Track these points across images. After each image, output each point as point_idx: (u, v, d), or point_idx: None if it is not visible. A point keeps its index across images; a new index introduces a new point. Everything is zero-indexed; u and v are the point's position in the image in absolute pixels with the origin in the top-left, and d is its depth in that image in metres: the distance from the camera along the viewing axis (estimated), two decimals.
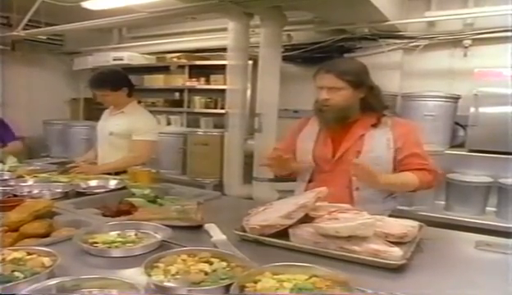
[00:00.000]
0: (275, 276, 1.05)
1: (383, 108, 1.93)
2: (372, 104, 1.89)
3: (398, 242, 1.37)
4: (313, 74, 1.89)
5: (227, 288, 1.01)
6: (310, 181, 2.00)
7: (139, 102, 5.23)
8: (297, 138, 2.07)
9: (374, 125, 1.89)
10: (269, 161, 1.87)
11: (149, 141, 2.83)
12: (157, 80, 5.66)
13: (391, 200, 1.94)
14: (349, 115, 1.89)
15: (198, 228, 1.57)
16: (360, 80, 1.83)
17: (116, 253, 1.30)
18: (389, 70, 4.15)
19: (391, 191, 1.92)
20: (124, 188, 2.20)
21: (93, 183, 2.30)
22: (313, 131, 2.01)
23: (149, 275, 1.07)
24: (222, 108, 4.67)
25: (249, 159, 4.02)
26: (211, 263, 1.15)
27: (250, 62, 4.31)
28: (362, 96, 1.86)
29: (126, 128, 2.79)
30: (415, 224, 1.51)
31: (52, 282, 1.01)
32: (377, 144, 1.86)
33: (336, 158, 1.91)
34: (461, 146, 3.65)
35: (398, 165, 1.88)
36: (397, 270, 1.23)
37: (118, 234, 1.43)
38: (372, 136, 1.88)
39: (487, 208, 3.31)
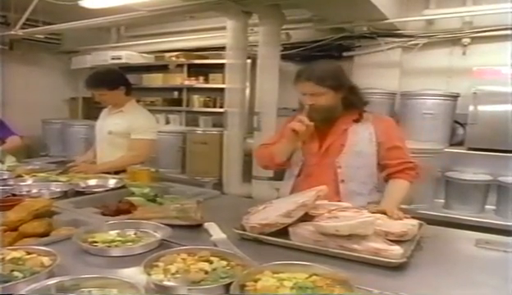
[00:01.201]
0: (275, 275, 1.05)
1: (364, 104, 2.01)
2: (354, 102, 1.97)
3: (398, 241, 1.37)
4: (294, 79, 1.94)
5: (227, 286, 1.01)
6: (299, 175, 2.04)
7: (138, 101, 5.24)
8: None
9: (356, 120, 1.97)
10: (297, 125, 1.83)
11: (148, 140, 2.82)
12: (156, 79, 5.66)
13: (376, 192, 1.98)
14: (334, 113, 1.96)
15: (197, 227, 1.57)
16: (339, 83, 1.90)
17: (115, 252, 1.29)
18: (388, 68, 4.16)
19: (375, 184, 1.98)
20: (123, 187, 2.20)
21: (92, 182, 2.30)
22: None
23: (149, 274, 1.07)
24: (221, 107, 4.67)
25: (248, 158, 4.02)
26: (211, 262, 1.15)
27: (249, 61, 4.32)
28: (343, 96, 1.93)
29: (125, 127, 2.78)
30: (415, 222, 1.52)
31: (52, 281, 1.00)
32: (360, 138, 1.94)
33: (322, 152, 1.97)
34: (460, 144, 3.66)
35: (381, 160, 1.95)
36: (397, 268, 1.23)
37: (118, 233, 1.43)
38: (355, 131, 1.95)
39: (487, 206, 3.31)
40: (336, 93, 1.89)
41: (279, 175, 2.29)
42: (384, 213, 1.57)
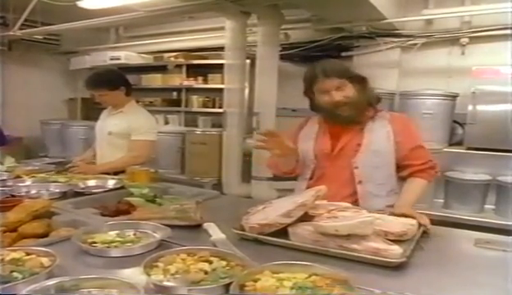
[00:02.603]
0: (274, 275, 1.05)
1: (378, 101, 1.96)
2: (369, 97, 1.91)
3: (397, 241, 1.37)
4: (308, 80, 1.91)
5: (227, 287, 1.01)
6: (311, 178, 1.99)
7: (137, 102, 5.23)
8: (298, 138, 2.08)
9: (372, 119, 1.92)
10: (264, 141, 1.82)
11: (148, 141, 2.82)
12: (155, 80, 5.66)
13: (394, 194, 1.93)
14: (359, 109, 1.88)
15: (197, 227, 1.56)
16: (354, 74, 1.87)
17: (115, 253, 1.29)
18: (387, 68, 4.16)
19: (393, 186, 1.93)
20: (122, 187, 2.19)
21: (91, 182, 2.30)
22: (312, 129, 2.03)
23: (149, 275, 1.07)
24: (220, 107, 4.68)
25: (247, 158, 4.02)
26: (210, 262, 1.15)
27: (248, 61, 4.32)
28: (359, 89, 1.87)
29: (125, 127, 2.78)
30: (414, 222, 1.51)
31: (51, 282, 1.00)
32: (376, 137, 1.88)
33: (336, 153, 1.91)
34: (459, 144, 3.66)
35: (402, 160, 1.89)
36: (397, 268, 1.23)
37: (117, 234, 1.43)
38: (371, 129, 1.90)
39: (486, 206, 3.32)
40: (354, 85, 1.85)
41: (279, 176, 2.29)
42: (413, 217, 1.55)
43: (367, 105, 1.91)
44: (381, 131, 1.89)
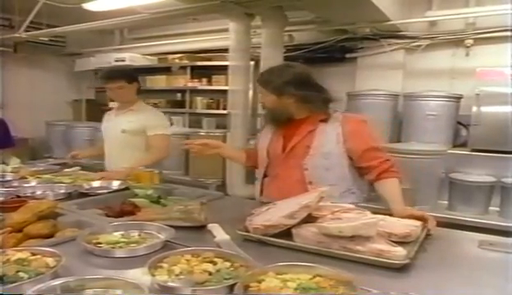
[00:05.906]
0: (278, 276, 1.06)
1: (325, 104, 1.96)
2: (311, 107, 1.95)
3: (401, 242, 1.37)
4: None
5: (231, 287, 1.01)
6: (265, 176, 2.08)
7: None
8: (259, 137, 2.19)
9: (324, 121, 1.94)
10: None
11: (166, 135, 2.87)
12: (159, 81, 5.68)
13: (350, 194, 1.94)
14: (286, 115, 1.96)
15: (201, 228, 1.57)
16: (282, 90, 1.91)
17: (119, 253, 1.30)
18: (391, 69, 4.15)
19: (349, 186, 1.95)
20: (127, 188, 2.21)
21: (96, 183, 2.32)
22: (270, 129, 2.10)
23: (153, 275, 1.08)
24: (224, 109, 4.69)
25: None
26: (214, 263, 1.16)
27: (252, 63, 4.32)
28: (291, 101, 1.92)
29: (139, 125, 2.79)
30: (418, 223, 1.52)
31: (57, 282, 1.01)
32: (327, 139, 1.91)
33: (286, 153, 1.97)
34: (464, 145, 3.65)
35: (358, 162, 1.91)
36: (400, 269, 1.23)
37: (122, 235, 1.44)
38: (323, 131, 1.93)
39: (490, 208, 3.29)
40: (280, 98, 1.92)
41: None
42: (424, 218, 1.57)
43: (312, 112, 1.95)
44: (332, 133, 1.92)
